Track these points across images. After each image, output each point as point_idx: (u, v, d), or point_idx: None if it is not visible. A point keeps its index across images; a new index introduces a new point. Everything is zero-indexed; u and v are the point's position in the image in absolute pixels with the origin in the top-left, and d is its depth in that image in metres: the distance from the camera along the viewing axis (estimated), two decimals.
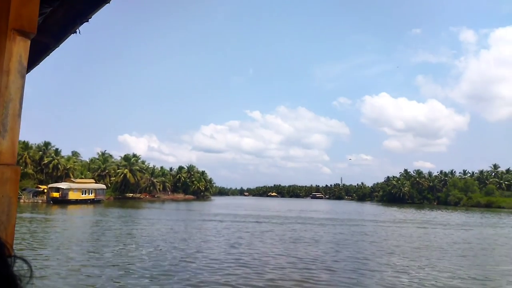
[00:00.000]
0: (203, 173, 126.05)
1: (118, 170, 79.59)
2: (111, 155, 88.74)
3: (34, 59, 2.62)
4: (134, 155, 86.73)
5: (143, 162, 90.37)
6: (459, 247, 19.37)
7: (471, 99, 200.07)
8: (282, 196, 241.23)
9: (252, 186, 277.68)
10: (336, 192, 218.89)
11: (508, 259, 16.05)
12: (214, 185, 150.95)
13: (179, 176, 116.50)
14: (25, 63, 1.24)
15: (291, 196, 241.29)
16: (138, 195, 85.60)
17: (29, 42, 1.25)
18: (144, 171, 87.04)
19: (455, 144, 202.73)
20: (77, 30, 2.41)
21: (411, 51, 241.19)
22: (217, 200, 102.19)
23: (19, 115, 1.24)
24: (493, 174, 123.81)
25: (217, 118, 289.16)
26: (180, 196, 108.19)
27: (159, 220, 30.73)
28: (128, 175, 78.92)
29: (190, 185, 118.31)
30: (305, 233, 24.27)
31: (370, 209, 72.90)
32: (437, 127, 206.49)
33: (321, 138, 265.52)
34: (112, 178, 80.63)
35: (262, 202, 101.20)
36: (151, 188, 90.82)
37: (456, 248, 18.96)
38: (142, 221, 29.50)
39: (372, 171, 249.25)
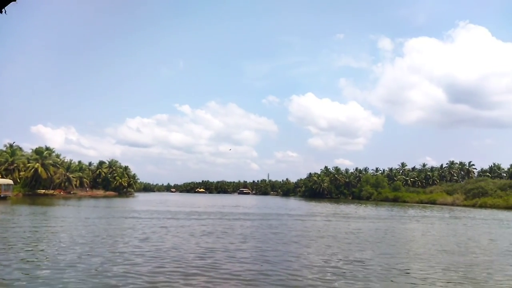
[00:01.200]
0: (126, 168, 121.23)
1: (29, 164, 73.42)
2: (20, 148, 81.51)
3: None
4: (47, 148, 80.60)
5: (57, 156, 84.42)
6: (348, 236, 21.60)
7: (386, 102, 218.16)
8: (210, 192, 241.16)
9: (180, 182, 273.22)
10: (263, 188, 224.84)
11: (383, 244, 18.38)
12: (139, 181, 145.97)
13: (100, 171, 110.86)
14: None
15: (219, 192, 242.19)
16: (51, 191, 79.82)
17: None
18: (58, 165, 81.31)
19: (371, 144, 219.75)
20: (3, 10, 2.21)
21: (335, 55, 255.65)
22: (141, 197, 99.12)
23: None
24: (400, 171, 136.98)
25: (144, 111, 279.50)
26: (100, 192, 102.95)
27: (68, 218, 29.44)
28: (40, 169, 73.20)
29: (112, 181, 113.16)
30: (219, 227, 25.09)
31: (289, 203, 76.43)
32: (356, 127, 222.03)
33: (250, 135, 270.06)
34: (21, 173, 74.23)
35: (187, 198, 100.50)
36: (67, 184, 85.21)
37: (346, 236, 21.14)
38: (51, 219, 28.02)
39: (297, 167, 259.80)
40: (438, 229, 27.34)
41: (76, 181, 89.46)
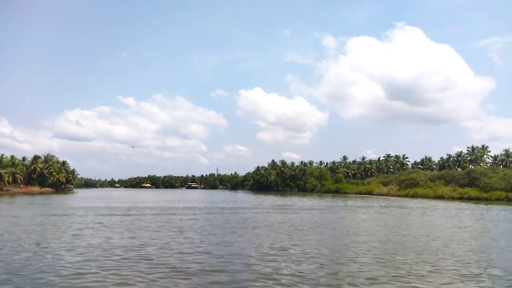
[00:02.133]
0: (64, 163, 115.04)
1: None
2: None
3: None
4: None
5: None
6: (280, 225, 22.57)
7: (330, 98, 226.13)
8: (157, 187, 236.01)
9: (125, 177, 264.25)
10: (211, 182, 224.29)
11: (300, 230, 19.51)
12: (78, 176, 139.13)
13: (35, 167, 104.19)
14: None
15: (166, 187, 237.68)
16: None
17: None
18: None
19: (316, 138, 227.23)
20: None
21: (281, 50, 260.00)
22: (81, 193, 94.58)
23: None
24: (342, 164, 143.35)
25: (83, 102, 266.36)
26: (36, 189, 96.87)
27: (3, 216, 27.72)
28: None
29: (48, 176, 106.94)
30: (158, 222, 24.96)
31: (236, 196, 77.16)
32: (302, 122, 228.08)
33: (198, 128, 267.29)
34: None
35: (130, 194, 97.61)
36: None
37: (279, 226, 22.08)
38: None
39: (246, 161, 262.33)
40: (364, 217, 29.31)
41: (8, 177, 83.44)
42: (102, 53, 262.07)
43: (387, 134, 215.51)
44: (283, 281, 9.80)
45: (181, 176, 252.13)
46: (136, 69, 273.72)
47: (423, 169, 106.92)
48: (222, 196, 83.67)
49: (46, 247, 14.37)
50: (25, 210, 34.45)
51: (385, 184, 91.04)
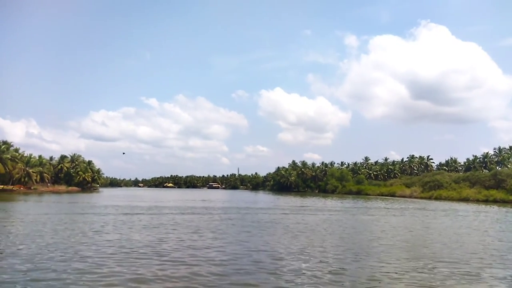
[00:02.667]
0: (89, 162, 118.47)
1: None
2: None
3: None
4: (5, 142, 77.69)
5: (16, 150, 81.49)
6: (295, 226, 22.71)
7: (352, 98, 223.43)
8: (179, 187, 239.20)
9: (149, 177, 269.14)
10: (232, 182, 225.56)
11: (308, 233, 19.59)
12: (104, 175, 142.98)
13: (61, 166, 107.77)
14: None
15: (188, 187, 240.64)
16: (10, 187, 77.10)
17: None
18: (17, 160, 78.52)
19: (338, 138, 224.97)
20: None
21: (303, 50, 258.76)
22: (106, 192, 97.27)
23: None
24: (364, 165, 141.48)
25: (109, 104, 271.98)
26: (62, 188, 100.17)
27: (30, 214, 29.06)
28: None
29: (75, 176, 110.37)
30: (173, 220, 25.60)
31: (255, 197, 77.54)
32: (324, 122, 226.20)
33: (220, 129, 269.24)
34: None
35: (153, 193, 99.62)
36: (26, 179, 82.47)
37: (294, 227, 22.24)
38: (7, 214, 27.59)
39: (267, 161, 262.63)
40: (386, 220, 29.04)
41: (36, 176, 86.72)
42: (126, 55, 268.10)
43: (411, 134, 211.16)
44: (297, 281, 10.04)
45: (203, 176, 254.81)
46: (158, 70, 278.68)
47: (448, 171, 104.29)
48: (242, 196, 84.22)
49: (69, 244, 15.10)
50: (52, 208, 35.91)
51: (408, 185, 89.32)
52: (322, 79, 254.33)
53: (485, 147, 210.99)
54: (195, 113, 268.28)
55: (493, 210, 42.50)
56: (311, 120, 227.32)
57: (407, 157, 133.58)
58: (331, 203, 54.49)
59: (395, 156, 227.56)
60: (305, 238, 17.76)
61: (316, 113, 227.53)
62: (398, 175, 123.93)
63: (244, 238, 17.49)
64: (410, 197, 79.39)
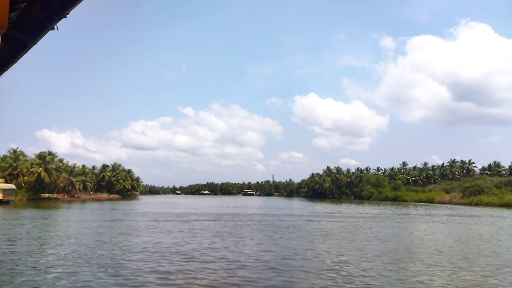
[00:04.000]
0: (129, 171, 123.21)
1: (32, 169, 75.42)
2: (23, 153, 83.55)
3: (12, 56, 2.59)
4: (50, 153, 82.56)
5: (60, 160, 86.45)
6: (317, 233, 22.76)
7: (390, 101, 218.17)
8: (215, 194, 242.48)
9: (186, 184, 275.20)
10: (267, 189, 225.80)
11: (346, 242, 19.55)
12: (142, 183, 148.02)
13: (103, 175, 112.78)
14: None
15: (223, 194, 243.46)
16: (55, 195, 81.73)
17: None
18: (61, 169, 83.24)
19: (376, 143, 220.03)
20: (55, 26, 2.36)
21: (337, 54, 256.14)
22: (144, 199, 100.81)
23: None
24: (402, 170, 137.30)
25: (147, 114, 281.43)
26: (104, 195, 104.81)
27: (71, 221, 30.95)
28: (43, 174, 75.13)
29: (115, 184, 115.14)
30: (215, 227, 26.41)
31: (290, 204, 77.44)
32: (361, 127, 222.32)
33: (255, 136, 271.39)
34: (25, 178, 76.22)
35: (189, 200, 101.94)
36: (70, 187, 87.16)
37: (316, 234, 22.31)
38: (54, 221, 29.53)
39: (302, 168, 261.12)
40: (422, 227, 28.38)
41: (79, 185, 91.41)
42: (164, 67, 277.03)
43: (454, 137, 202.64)
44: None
45: (238, 183, 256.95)
46: (194, 80, 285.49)
47: (490, 175, 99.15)
48: (277, 203, 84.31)
49: (110, 247, 16.16)
50: (93, 214, 37.98)
51: (447, 191, 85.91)
52: (357, 83, 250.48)
53: None
54: (230, 121, 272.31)
55: None
56: (347, 125, 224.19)
57: (448, 162, 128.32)
58: (367, 209, 53.54)
59: (437, 160, 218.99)
60: (349, 249, 17.88)
61: (352, 118, 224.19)
62: (438, 180, 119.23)
63: (268, 243, 17.88)
64: (449, 203, 76.31)
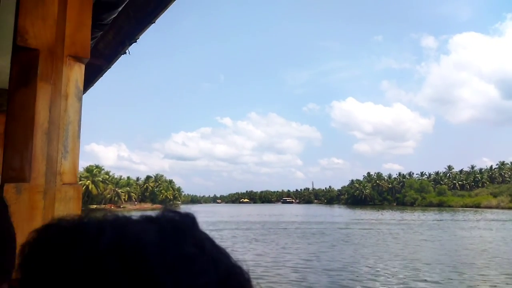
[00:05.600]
0: (170, 182, 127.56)
1: (80, 182, 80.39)
2: None
3: (89, 81, 2.88)
4: (97, 166, 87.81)
5: (107, 173, 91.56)
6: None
7: (434, 102, 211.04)
8: (255, 202, 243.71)
9: (226, 193, 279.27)
10: (306, 196, 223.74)
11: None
12: (184, 193, 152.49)
13: (147, 186, 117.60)
14: (81, 86, 1.37)
15: (263, 202, 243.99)
16: (102, 206, 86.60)
17: (83, 66, 1.39)
18: (107, 182, 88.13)
19: (421, 146, 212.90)
20: (127, 51, 2.56)
21: (374, 57, 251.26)
22: (186, 209, 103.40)
23: (79, 137, 1.35)
24: (447, 175, 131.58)
25: (187, 125, 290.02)
26: (148, 206, 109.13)
27: None
28: (90, 186, 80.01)
29: (158, 194, 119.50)
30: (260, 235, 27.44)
31: (328, 212, 76.82)
32: (404, 130, 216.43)
33: (293, 143, 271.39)
34: None
35: (227, 209, 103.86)
36: (116, 198, 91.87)
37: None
38: None
39: (343, 174, 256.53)
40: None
41: (124, 196, 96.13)
42: (203, 79, 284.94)
43: (505, 138, 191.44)
44: None
45: (277, 191, 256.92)
46: (231, 90, 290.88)
47: None
48: (314, 211, 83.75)
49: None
50: None
51: (495, 195, 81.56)
52: (398, 85, 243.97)
53: None
54: (268, 129, 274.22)
55: None
56: (389, 129, 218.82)
57: (497, 164, 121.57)
58: (412, 217, 52.10)
59: (488, 163, 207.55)
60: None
61: (393, 121, 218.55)
62: (486, 184, 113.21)
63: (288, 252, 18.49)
64: (496, 207, 72.41)
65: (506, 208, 70.37)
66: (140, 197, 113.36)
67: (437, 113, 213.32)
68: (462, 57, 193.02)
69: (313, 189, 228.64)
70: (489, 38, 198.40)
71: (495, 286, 11.33)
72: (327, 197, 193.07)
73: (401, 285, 11.05)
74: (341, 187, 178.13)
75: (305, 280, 11.87)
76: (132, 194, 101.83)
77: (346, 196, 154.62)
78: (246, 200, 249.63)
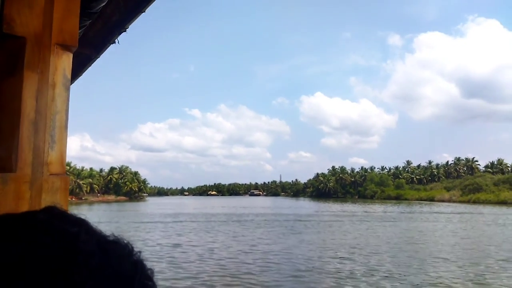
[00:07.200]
0: (136, 173, 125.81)
1: None
2: None
3: (77, 70, 2.73)
4: None
5: (68, 164, 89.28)
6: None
7: (398, 99, 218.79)
8: (222, 195, 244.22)
9: (194, 185, 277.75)
10: (273, 189, 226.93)
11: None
12: (150, 185, 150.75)
13: (111, 177, 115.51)
14: (69, 75, 1.29)
15: (231, 194, 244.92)
16: None
17: (71, 55, 1.32)
18: (68, 173, 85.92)
19: (385, 141, 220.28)
20: (116, 40, 2.51)
21: (343, 53, 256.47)
22: (152, 201, 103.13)
23: (66, 127, 1.28)
24: (406, 169, 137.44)
25: (155, 116, 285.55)
26: (111, 198, 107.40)
27: None
28: None
29: (123, 186, 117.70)
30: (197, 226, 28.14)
31: (289, 204, 78.82)
32: (369, 125, 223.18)
33: (262, 136, 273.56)
34: None
35: (194, 201, 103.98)
36: (77, 190, 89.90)
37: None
38: None
39: (311, 167, 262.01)
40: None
41: (86, 187, 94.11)
42: (172, 69, 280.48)
43: (464, 135, 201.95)
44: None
45: (245, 184, 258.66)
46: (201, 82, 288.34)
47: (492, 173, 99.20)
48: (279, 203, 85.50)
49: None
50: (105, 216, 40.08)
51: (448, 189, 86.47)
52: (364, 82, 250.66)
53: None
54: (238, 122, 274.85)
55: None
56: (355, 124, 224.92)
57: (452, 160, 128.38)
58: (351, 208, 54.70)
59: (447, 158, 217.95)
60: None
61: (360, 116, 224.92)
62: (442, 178, 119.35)
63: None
64: (449, 201, 76.93)
65: (458, 201, 74.87)
66: (103, 188, 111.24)
67: (401, 109, 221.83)
68: (426, 56, 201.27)
69: (281, 182, 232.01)
70: (452, 38, 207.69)
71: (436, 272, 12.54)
72: (293, 190, 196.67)
73: (338, 268, 12.23)
74: (307, 180, 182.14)
75: (239, 264, 12.84)
76: (94, 185, 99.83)
77: (311, 189, 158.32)
78: (213, 192, 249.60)
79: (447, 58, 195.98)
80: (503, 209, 48.56)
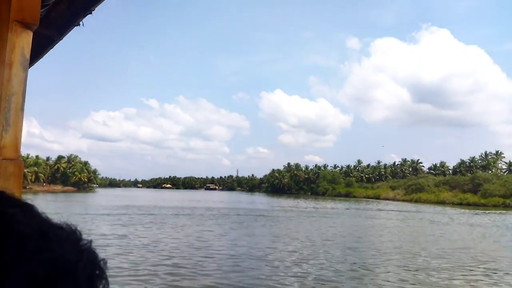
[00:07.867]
0: (85, 163, 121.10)
1: None
2: None
3: (38, 52, 2.61)
4: None
5: None
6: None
7: (354, 100, 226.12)
8: (178, 188, 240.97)
9: (149, 177, 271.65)
10: (229, 184, 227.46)
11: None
12: (101, 176, 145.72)
13: (58, 166, 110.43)
14: (27, 55, 1.21)
15: (186, 188, 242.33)
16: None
17: (31, 34, 1.22)
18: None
19: (340, 141, 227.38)
20: (81, 23, 2.39)
21: (303, 52, 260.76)
22: (101, 192, 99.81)
23: (22, 109, 1.21)
24: (357, 168, 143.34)
25: (109, 104, 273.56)
26: (58, 188, 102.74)
27: None
28: None
29: (71, 176, 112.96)
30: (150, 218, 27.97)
31: (243, 198, 79.71)
32: (326, 124, 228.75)
33: (221, 130, 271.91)
34: None
35: (146, 194, 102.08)
36: None
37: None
38: None
39: (268, 163, 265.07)
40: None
41: (31, 176, 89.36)
42: (131, 57, 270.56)
43: (413, 137, 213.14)
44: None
45: (201, 178, 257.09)
46: (161, 72, 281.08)
47: (435, 174, 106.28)
48: (232, 198, 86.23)
49: None
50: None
51: (393, 188, 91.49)
52: (323, 82, 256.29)
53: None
54: (196, 114, 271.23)
55: (452, 212, 44.67)
56: (312, 123, 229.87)
57: (399, 161, 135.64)
58: (304, 204, 56.65)
59: (395, 159, 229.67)
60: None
61: (317, 116, 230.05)
62: (388, 178, 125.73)
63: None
64: (393, 199, 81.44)
65: (401, 200, 79.45)
66: (50, 178, 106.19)
67: (355, 110, 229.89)
68: (381, 60, 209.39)
69: (237, 176, 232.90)
70: (406, 45, 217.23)
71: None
72: (249, 185, 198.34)
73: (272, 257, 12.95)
74: (264, 176, 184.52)
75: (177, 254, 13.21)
76: (40, 174, 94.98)
77: (266, 184, 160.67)
78: (168, 185, 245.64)
79: (400, 63, 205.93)
80: (438, 208, 52.39)
